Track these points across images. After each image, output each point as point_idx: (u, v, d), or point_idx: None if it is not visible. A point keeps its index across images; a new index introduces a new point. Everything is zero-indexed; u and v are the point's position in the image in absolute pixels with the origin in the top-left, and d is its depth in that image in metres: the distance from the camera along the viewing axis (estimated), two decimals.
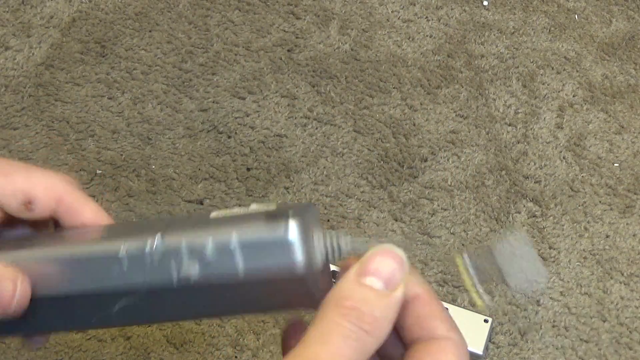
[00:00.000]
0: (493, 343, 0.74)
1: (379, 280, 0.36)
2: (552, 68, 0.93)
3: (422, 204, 0.82)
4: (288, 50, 0.94)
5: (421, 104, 0.90)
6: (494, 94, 0.91)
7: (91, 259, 0.39)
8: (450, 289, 0.77)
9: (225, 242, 0.37)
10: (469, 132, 0.88)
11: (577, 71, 0.93)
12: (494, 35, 0.96)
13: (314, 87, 0.91)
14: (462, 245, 0.80)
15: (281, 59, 0.93)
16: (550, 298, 0.77)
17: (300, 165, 0.85)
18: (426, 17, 0.97)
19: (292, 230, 0.36)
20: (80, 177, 0.83)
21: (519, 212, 0.82)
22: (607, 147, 0.87)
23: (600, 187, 0.84)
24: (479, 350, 0.71)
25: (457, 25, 0.97)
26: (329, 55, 0.93)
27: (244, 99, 0.89)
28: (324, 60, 0.93)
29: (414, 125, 0.88)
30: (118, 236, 0.39)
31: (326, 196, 0.83)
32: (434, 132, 0.88)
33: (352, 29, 0.96)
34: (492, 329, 0.72)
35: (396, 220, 0.81)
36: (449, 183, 0.84)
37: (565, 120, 0.89)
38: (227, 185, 0.83)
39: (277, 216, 0.37)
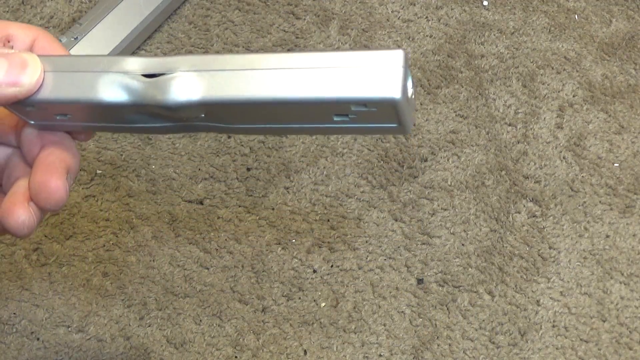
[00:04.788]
0: (493, 343, 0.74)
1: None
2: (552, 68, 0.93)
3: (422, 204, 0.82)
4: (288, 50, 0.94)
5: (421, 104, 0.90)
6: (494, 94, 0.91)
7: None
8: (450, 288, 0.77)
9: None
10: (469, 132, 0.88)
11: (577, 71, 0.93)
12: (494, 35, 0.96)
13: None
14: (462, 245, 0.80)
15: None
16: (550, 298, 0.77)
17: (300, 165, 0.85)
18: (426, 17, 0.97)
19: None
20: (80, 177, 0.83)
21: (519, 212, 0.82)
22: (607, 147, 0.87)
23: (600, 187, 0.84)
24: (394, 93, 0.37)
25: (457, 25, 0.97)
26: None
27: None
28: None
29: (414, 125, 0.88)
30: None
31: (326, 196, 0.83)
32: (434, 132, 0.88)
33: (352, 29, 0.96)
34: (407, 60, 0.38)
35: (396, 220, 0.81)
36: (449, 183, 0.84)
37: (565, 120, 0.89)
38: (227, 185, 0.83)
39: None
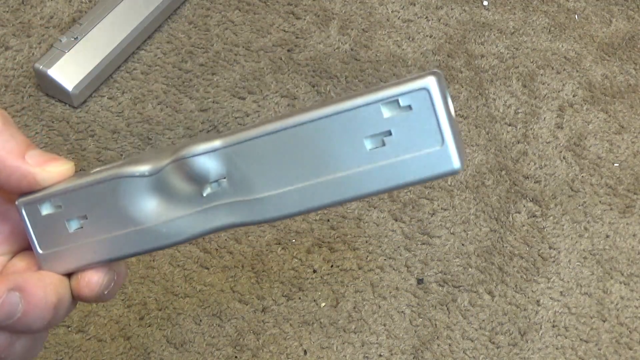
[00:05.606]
0: (493, 343, 0.74)
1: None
2: (552, 68, 0.93)
3: (422, 204, 0.82)
4: (288, 50, 0.94)
5: None
6: (494, 94, 0.91)
7: None
8: (450, 288, 0.77)
9: None
10: (469, 132, 0.88)
11: (577, 71, 0.93)
12: (494, 35, 0.96)
13: (314, 87, 0.91)
14: (462, 245, 0.80)
15: (281, 59, 0.93)
16: (550, 298, 0.77)
17: None
18: (426, 17, 0.97)
19: None
20: None
21: (519, 212, 0.82)
22: (607, 147, 0.87)
23: (600, 187, 0.84)
24: (427, 81, 0.34)
25: (457, 25, 0.97)
26: (329, 55, 0.93)
27: (244, 99, 0.89)
28: (324, 60, 0.93)
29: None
30: None
31: None
32: None
33: (352, 29, 0.96)
34: (445, 92, 0.35)
35: (396, 220, 0.81)
36: (449, 183, 0.84)
37: (565, 120, 0.89)
38: None
39: None
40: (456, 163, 0.34)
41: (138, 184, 0.38)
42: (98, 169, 0.39)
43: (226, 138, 0.36)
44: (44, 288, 0.38)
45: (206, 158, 0.37)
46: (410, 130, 0.34)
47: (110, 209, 0.38)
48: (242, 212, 0.37)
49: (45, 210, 0.39)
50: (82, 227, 0.39)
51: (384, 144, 0.34)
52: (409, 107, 0.34)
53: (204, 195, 0.37)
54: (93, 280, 0.39)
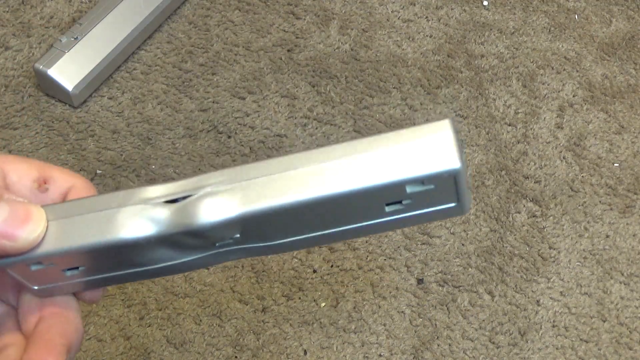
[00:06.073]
0: (493, 343, 0.74)
1: None
2: (552, 68, 0.93)
3: None
4: (288, 50, 0.94)
5: (421, 104, 0.90)
6: (494, 94, 0.91)
7: None
8: (450, 288, 0.77)
9: None
10: (469, 132, 0.88)
11: (577, 71, 0.93)
12: (494, 35, 0.96)
13: (314, 87, 0.91)
14: (462, 245, 0.80)
15: (281, 59, 0.93)
16: (550, 298, 0.77)
17: None
18: (426, 17, 0.97)
19: None
20: None
21: (519, 212, 0.82)
22: (607, 147, 0.87)
23: (600, 187, 0.84)
24: (453, 163, 0.34)
25: (457, 25, 0.97)
26: (329, 55, 0.93)
27: (244, 99, 0.89)
28: (324, 60, 0.93)
29: (414, 125, 0.88)
30: None
31: None
32: None
33: (352, 29, 0.96)
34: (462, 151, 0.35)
35: None
36: None
37: (565, 120, 0.89)
38: None
39: None
40: (467, 210, 0.35)
41: (141, 242, 0.34)
42: (84, 212, 0.35)
43: (243, 207, 0.33)
44: (78, 329, 0.37)
45: (220, 226, 0.33)
46: (430, 197, 0.34)
47: (110, 258, 0.36)
48: (254, 252, 0.36)
49: (35, 267, 0.36)
50: (78, 270, 0.36)
51: (401, 204, 0.34)
52: (432, 184, 0.34)
53: (217, 245, 0.35)
54: (95, 296, 0.39)
